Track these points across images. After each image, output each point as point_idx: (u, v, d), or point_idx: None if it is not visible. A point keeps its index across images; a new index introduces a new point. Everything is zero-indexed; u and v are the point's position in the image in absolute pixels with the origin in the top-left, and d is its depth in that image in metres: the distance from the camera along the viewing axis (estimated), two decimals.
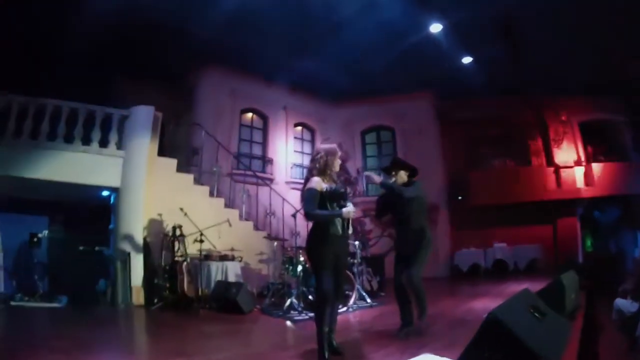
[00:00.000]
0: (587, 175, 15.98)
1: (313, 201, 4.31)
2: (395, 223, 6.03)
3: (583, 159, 16.41)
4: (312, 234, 4.55)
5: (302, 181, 14.19)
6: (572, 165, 16.23)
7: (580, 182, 16.03)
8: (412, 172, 5.92)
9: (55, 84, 10.42)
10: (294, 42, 12.54)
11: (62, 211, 12.42)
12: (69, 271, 9.24)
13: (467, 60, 13.51)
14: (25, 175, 9.13)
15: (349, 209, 4.34)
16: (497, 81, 13.88)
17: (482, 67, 13.38)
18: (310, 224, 4.63)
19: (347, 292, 7.96)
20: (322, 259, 4.35)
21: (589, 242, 16.45)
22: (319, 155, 4.57)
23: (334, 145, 4.70)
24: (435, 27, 11.91)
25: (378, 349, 4.72)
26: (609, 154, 16.46)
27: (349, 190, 15.47)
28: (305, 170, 14.90)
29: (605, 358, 4.74)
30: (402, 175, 5.83)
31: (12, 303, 8.90)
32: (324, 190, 4.37)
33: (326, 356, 4.11)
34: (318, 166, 4.50)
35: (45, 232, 11.55)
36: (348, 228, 4.50)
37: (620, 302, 6.07)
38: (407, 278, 5.45)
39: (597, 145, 16.71)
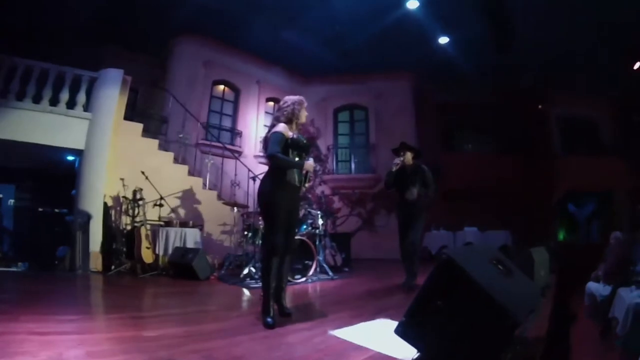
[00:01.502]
0: (563, 167, 16.10)
1: (278, 144, 4.25)
2: (399, 196, 7.11)
3: (560, 151, 16.56)
4: (266, 180, 4.43)
5: None
6: (548, 157, 16.36)
7: (556, 173, 16.18)
8: (417, 153, 7.16)
9: (30, 46, 10.45)
10: (271, 14, 12.45)
11: (29, 179, 12.40)
12: (33, 238, 9.14)
13: (444, 40, 13.41)
14: None
15: (311, 163, 4.43)
16: (476, 65, 13.88)
17: (461, 49, 13.38)
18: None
19: (307, 262, 8.09)
20: (275, 207, 4.29)
21: (562, 235, 16.66)
22: (286, 104, 4.54)
23: (301, 97, 4.66)
24: (412, 4, 11.81)
25: (332, 313, 4.80)
26: (587, 149, 16.58)
27: (318, 167, 15.67)
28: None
29: (577, 344, 4.76)
30: (409, 156, 7.00)
31: None
32: (289, 138, 4.37)
33: (271, 313, 4.12)
34: (285, 114, 4.47)
35: (12, 200, 11.53)
36: (305, 182, 4.51)
37: (592, 285, 6.17)
38: (410, 242, 6.81)
39: (575, 138, 16.88)
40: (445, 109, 16.93)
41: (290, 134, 4.40)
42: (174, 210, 9.59)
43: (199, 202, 10.58)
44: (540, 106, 16.60)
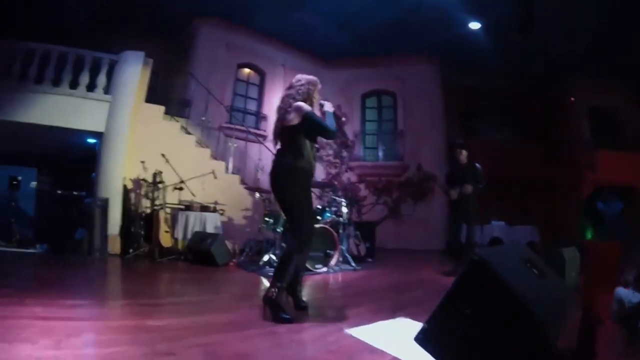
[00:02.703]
0: (592, 161, 15.49)
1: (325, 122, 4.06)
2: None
3: (588, 143, 15.98)
4: (288, 168, 3.98)
5: None
6: (575, 149, 15.80)
7: (584, 167, 15.50)
8: (472, 153, 7.87)
9: (54, 31, 10.36)
10: None
11: (50, 162, 12.51)
12: (53, 221, 9.15)
13: (475, 25, 12.92)
14: (12, 119, 9.07)
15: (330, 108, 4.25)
16: (501, 50, 13.42)
17: (488, 34, 12.92)
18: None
19: (328, 252, 7.84)
20: (304, 195, 4.01)
21: (589, 234, 16.07)
22: (300, 83, 4.19)
23: (315, 78, 4.33)
24: None
25: (350, 308, 4.55)
26: (616, 142, 15.96)
27: (345, 153, 15.44)
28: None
29: (602, 348, 4.47)
30: (464, 154, 7.74)
31: None
32: None
33: (287, 316, 3.76)
34: (301, 92, 4.12)
35: (34, 183, 11.64)
36: (314, 163, 4.20)
37: (621, 291, 5.81)
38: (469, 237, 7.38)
39: (604, 131, 16.26)
40: (470, 95, 16.46)
41: None
42: (194, 193, 9.39)
43: (221, 186, 10.39)
44: (572, 98, 15.95)
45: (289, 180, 3.96)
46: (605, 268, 7.00)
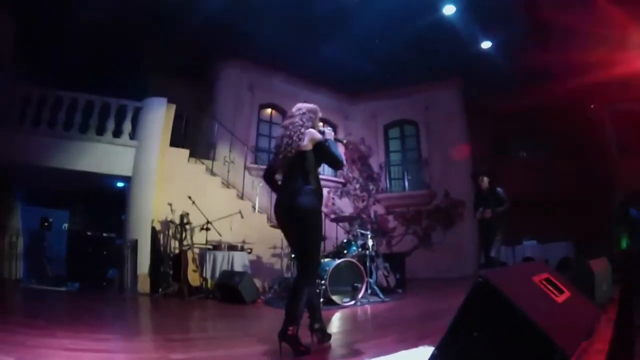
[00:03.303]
0: (621, 168, 15.17)
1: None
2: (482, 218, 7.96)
3: (616, 150, 15.69)
4: (311, 196, 3.80)
5: (323, 177, 13.91)
6: (604, 158, 15.52)
7: (614, 175, 15.13)
8: (492, 178, 8.30)
9: (82, 79, 10.89)
10: (310, 34, 12.43)
11: (82, 204, 12.91)
12: (85, 261, 9.41)
13: (486, 45, 12.97)
14: (42, 163, 9.48)
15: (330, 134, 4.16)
16: (522, 67, 13.37)
17: (505, 52, 12.93)
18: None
19: (356, 285, 7.80)
20: (321, 224, 3.98)
21: (624, 242, 15.62)
22: (301, 112, 4.11)
23: (315, 106, 4.27)
24: (449, 9, 11.48)
25: (373, 339, 4.54)
26: None
27: (371, 186, 15.48)
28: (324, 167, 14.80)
29: None
30: (485, 181, 8.15)
31: (22, 285, 9.51)
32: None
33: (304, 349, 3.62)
34: (305, 120, 4.04)
35: (66, 225, 12.03)
36: None
37: None
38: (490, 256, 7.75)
39: (631, 136, 15.92)
40: (495, 115, 16.27)
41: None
42: (220, 233, 9.52)
43: (248, 225, 10.50)
44: (592, 105, 15.72)
45: (311, 205, 3.79)
46: None
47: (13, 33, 10.85)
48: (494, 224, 7.76)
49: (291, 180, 3.90)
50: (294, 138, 3.91)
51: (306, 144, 3.88)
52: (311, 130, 3.98)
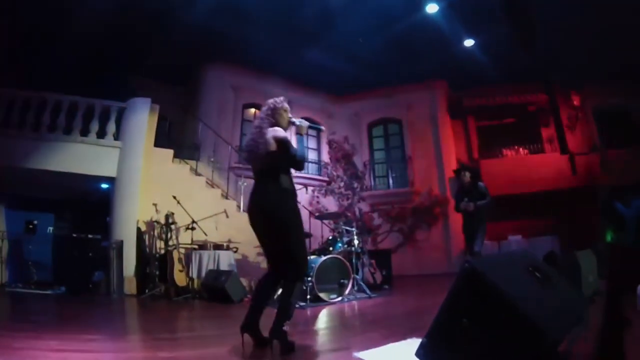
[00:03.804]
0: (604, 162, 15.33)
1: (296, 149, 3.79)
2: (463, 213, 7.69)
3: (599, 145, 15.85)
4: (280, 191, 3.75)
5: (307, 176, 13.94)
6: (587, 152, 15.68)
7: (597, 169, 15.34)
8: (474, 173, 7.99)
9: (65, 81, 10.80)
10: (292, 36, 12.53)
11: (67, 207, 12.86)
12: (71, 263, 9.34)
13: (469, 43, 13.10)
14: (26, 166, 9.47)
15: (306, 123, 4.07)
16: (505, 66, 13.51)
17: (488, 51, 13.06)
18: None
19: (342, 281, 7.84)
20: (300, 222, 3.80)
21: (609, 236, 15.72)
22: (264, 109, 3.99)
23: (281, 98, 4.07)
24: (432, 8, 11.58)
25: (361, 334, 4.60)
26: (627, 140, 15.78)
27: (356, 184, 15.53)
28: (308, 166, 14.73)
29: (632, 350, 4.33)
30: (467, 175, 7.73)
31: (7, 289, 9.48)
32: None
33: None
34: (268, 116, 3.91)
35: (51, 228, 11.97)
36: None
37: None
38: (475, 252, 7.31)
39: (613, 130, 16.10)
40: (477, 114, 16.52)
41: None
42: (206, 233, 9.52)
43: (233, 225, 10.48)
44: (576, 101, 15.91)
45: (287, 204, 3.75)
46: (630, 271, 6.84)
47: None
48: (477, 218, 7.58)
49: (262, 182, 3.86)
50: (258, 140, 3.83)
51: (271, 144, 3.75)
52: (273, 129, 3.83)
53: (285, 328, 3.57)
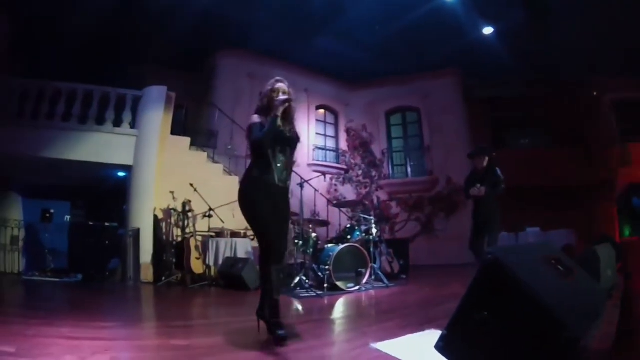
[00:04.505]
0: (623, 156, 15.04)
1: (258, 130, 3.70)
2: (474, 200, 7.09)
3: (618, 138, 15.52)
4: (243, 182, 3.93)
5: (326, 164, 13.96)
6: (605, 146, 15.39)
7: (615, 163, 15.00)
8: (492, 157, 7.25)
9: (80, 72, 10.76)
10: (308, 23, 12.39)
11: (83, 196, 12.96)
12: (87, 251, 9.38)
13: (488, 30, 12.82)
14: (42, 155, 9.51)
15: (282, 98, 3.78)
16: (522, 56, 13.27)
17: (506, 41, 12.75)
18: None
19: (360, 270, 7.74)
20: (259, 209, 3.71)
21: (627, 231, 15.47)
22: (262, 94, 3.98)
23: (274, 79, 4.03)
24: None
25: (378, 324, 4.53)
26: None
27: (374, 172, 15.41)
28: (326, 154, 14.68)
29: None
30: (485, 160, 7.10)
31: (24, 277, 9.59)
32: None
33: (281, 332, 3.49)
34: (260, 105, 3.90)
35: (67, 216, 12.05)
36: (287, 177, 3.91)
37: None
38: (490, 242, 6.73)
39: (633, 123, 15.75)
40: (494, 105, 16.25)
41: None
42: (223, 220, 9.48)
43: None
44: (595, 92, 15.55)
45: (247, 194, 3.82)
46: None
47: (8, 28, 10.95)
48: (491, 207, 7.00)
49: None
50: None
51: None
52: (251, 116, 3.87)
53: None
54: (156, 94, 10.41)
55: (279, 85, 3.93)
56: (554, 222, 13.42)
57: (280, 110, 3.73)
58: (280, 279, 3.83)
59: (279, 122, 3.75)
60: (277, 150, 3.78)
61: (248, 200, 3.79)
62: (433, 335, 3.43)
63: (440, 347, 2.48)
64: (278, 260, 3.79)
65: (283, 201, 3.87)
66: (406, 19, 11.94)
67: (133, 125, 10.24)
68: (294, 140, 3.94)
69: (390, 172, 16.64)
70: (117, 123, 10.13)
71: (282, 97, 3.81)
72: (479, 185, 6.87)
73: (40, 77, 9.97)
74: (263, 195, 3.72)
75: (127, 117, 10.21)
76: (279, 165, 3.78)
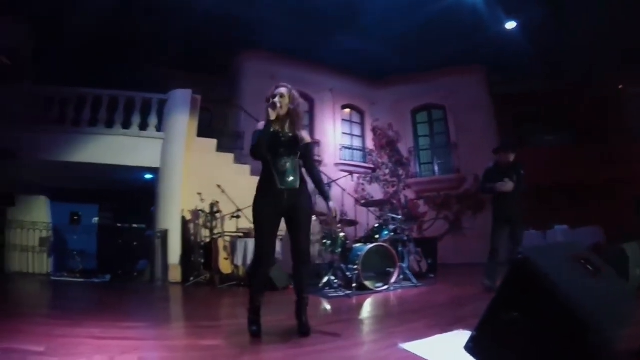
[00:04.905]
0: None
1: (254, 138, 3.81)
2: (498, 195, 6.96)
3: None
4: (257, 186, 4.02)
5: (353, 163, 13.95)
6: (630, 140, 14.96)
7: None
8: (516, 152, 7.10)
9: (104, 78, 10.86)
10: (330, 22, 12.37)
11: (111, 199, 13.18)
12: (115, 253, 9.54)
13: (511, 25, 12.54)
14: (69, 159, 9.66)
15: (276, 101, 3.82)
16: (547, 51, 13.04)
17: (529, 35, 12.52)
18: None
19: (388, 270, 7.69)
20: (259, 215, 3.89)
21: None
22: (266, 100, 4.00)
23: (274, 86, 4.08)
24: None
25: (406, 324, 4.44)
26: None
27: (401, 171, 15.29)
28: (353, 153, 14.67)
29: None
30: (511, 156, 7.01)
31: (52, 278, 9.81)
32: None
33: (254, 328, 3.79)
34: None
35: (96, 219, 12.21)
36: (295, 180, 3.89)
37: None
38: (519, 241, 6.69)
39: None
40: (518, 101, 15.93)
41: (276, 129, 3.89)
42: (249, 220, 9.49)
43: None
44: (620, 86, 15.17)
45: (255, 197, 3.98)
46: None
47: (30, 38, 11.26)
48: (516, 204, 6.82)
49: None
50: None
51: None
52: (257, 124, 4.02)
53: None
54: (181, 97, 10.49)
55: (278, 90, 3.98)
56: (582, 220, 13.15)
57: (272, 114, 3.75)
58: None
59: (276, 127, 3.88)
60: (278, 155, 3.85)
61: (254, 205, 3.95)
62: (461, 335, 3.41)
63: (470, 348, 2.46)
64: (303, 260, 3.94)
65: (293, 203, 3.87)
66: (428, 14, 11.79)
67: (159, 128, 10.34)
68: (293, 143, 3.91)
69: (417, 170, 16.51)
70: (144, 127, 10.24)
71: (271, 102, 3.83)
72: (507, 180, 6.72)
73: (64, 84, 10.13)
74: (265, 202, 3.87)
75: (153, 120, 10.31)
76: (282, 170, 3.84)
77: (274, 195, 3.83)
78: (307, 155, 4.04)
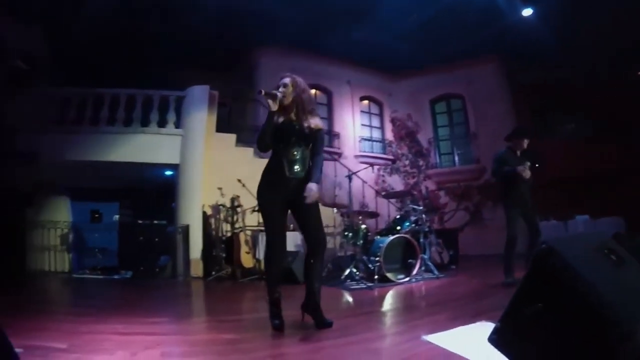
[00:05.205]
0: None
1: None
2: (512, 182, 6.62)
3: None
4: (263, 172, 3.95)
5: (373, 155, 13.86)
6: None
7: None
8: (530, 138, 6.90)
9: (121, 77, 10.95)
10: (346, 15, 12.29)
11: (131, 196, 13.32)
12: (137, 249, 9.59)
13: (527, 12, 12.27)
14: (89, 158, 9.81)
15: (275, 91, 3.73)
16: (565, 38, 12.75)
17: (546, 22, 12.24)
18: None
19: (410, 261, 7.65)
20: (262, 206, 3.93)
21: None
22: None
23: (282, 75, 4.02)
24: None
25: (429, 316, 4.43)
26: None
27: (421, 162, 15.18)
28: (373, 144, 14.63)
29: None
30: (526, 143, 6.81)
31: (74, 275, 9.98)
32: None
33: (276, 322, 3.75)
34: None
35: (116, 216, 12.32)
36: (302, 169, 3.81)
37: None
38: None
39: None
40: (536, 90, 15.63)
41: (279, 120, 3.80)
42: None
43: None
44: (639, 73, 14.81)
45: (258, 187, 3.94)
46: None
47: (45, 41, 11.32)
48: (530, 193, 6.70)
49: None
50: None
51: None
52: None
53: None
54: (199, 93, 10.54)
55: (281, 81, 3.92)
56: (603, 210, 12.96)
57: (273, 105, 3.69)
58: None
59: (287, 117, 3.84)
60: (290, 144, 3.78)
61: (258, 196, 3.94)
62: (484, 327, 3.37)
63: (494, 339, 2.40)
64: (317, 251, 3.86)
65: (299, 192, 3.76)
66: (443, 5, 11.67)
67: (178, 125, 10.40)
68: (305, 133, 3.82)
69: (438, 161, 16.38)
70: (162, 124, 10.32)
71: (270, 92, 3.76)
72: (528, 163, 6.49)
73: (82, 85, 10.27)
74: (270, 190, 3.82)
75: (171, 117, 10.38)
76: (292, 158, 3.78)
77: (280, 183, 3.78)
78: (315, 142, 3.92)
